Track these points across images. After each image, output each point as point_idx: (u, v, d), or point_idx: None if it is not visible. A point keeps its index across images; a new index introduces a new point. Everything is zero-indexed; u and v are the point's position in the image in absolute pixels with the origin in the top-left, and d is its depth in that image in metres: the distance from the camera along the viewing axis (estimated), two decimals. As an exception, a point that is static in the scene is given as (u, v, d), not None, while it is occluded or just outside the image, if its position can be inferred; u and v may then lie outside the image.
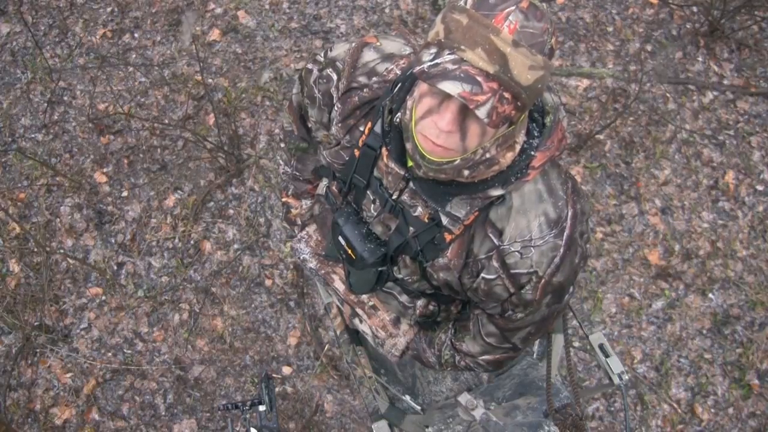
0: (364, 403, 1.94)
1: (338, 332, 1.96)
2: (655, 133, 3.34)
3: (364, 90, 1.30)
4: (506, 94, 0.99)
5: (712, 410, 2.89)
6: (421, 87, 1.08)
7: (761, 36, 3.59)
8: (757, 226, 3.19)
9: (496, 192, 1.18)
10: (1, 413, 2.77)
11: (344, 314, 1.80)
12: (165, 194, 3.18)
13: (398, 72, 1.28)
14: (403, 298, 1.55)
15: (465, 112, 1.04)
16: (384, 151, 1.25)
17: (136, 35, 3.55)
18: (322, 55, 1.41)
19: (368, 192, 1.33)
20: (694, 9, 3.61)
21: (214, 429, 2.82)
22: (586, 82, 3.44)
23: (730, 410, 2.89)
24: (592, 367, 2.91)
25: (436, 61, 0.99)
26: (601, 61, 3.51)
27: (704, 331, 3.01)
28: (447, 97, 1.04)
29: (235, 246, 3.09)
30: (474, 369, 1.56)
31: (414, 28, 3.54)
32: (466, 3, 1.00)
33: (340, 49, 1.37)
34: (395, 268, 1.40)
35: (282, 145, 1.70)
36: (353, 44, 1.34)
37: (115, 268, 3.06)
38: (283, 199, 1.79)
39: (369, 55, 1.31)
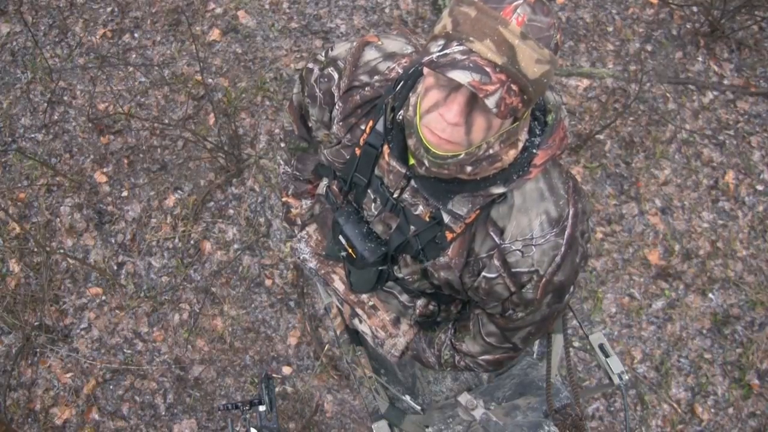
0: (364, 403, 1.94)
1: (338, 332, 1.96)
2: (655, 133, 3.34)
3: (366, 88, 1.30)
4: (514, 86, 0.99)
5: (712, 410, 2.89)
6: (427, 81, 1.08)
7: (761, 36, 3.59)
8: (757, 226, 3.19)
9: (498, 190, 1.18)
10: (1, 413, 2.77)
11: (344, 314, 1.80)
12: (165, 194, 3.18)
13: (400, 70, 1.27)
14: (404, 297, 1.55)
15: (472, 105, 1.04)
16: (385, 149, 1.25)
17: (136, 35, 3.55)
18: (323, 54, 1.41)
19: (369, 191, 1.33)
20: (694, 9, 3.61)
21: (214, 429, 2.82)
22: (586, 82, 3.44)
23: (730, 410, 2.89)
24: (592, 367, 2.91)
25: (444, 51, 0.99)
26: (601, 61, 3.51)
27: (704, 331, 3.01)
28: (454, 89, 1.04)
29: (235, 246, 3.09)
30: (474, 369, 1.56)
31: (414, 28, 3.54)
32: None
33: (341, 48, 1.37)
34: (396, 268, 1.40)
35: (282, 144, 1.70)
36: (354, 43, 1.34)
37: (115, 268, 3.06)
38: (284, 199, 1.79)
39: (370, 54, 1.31)
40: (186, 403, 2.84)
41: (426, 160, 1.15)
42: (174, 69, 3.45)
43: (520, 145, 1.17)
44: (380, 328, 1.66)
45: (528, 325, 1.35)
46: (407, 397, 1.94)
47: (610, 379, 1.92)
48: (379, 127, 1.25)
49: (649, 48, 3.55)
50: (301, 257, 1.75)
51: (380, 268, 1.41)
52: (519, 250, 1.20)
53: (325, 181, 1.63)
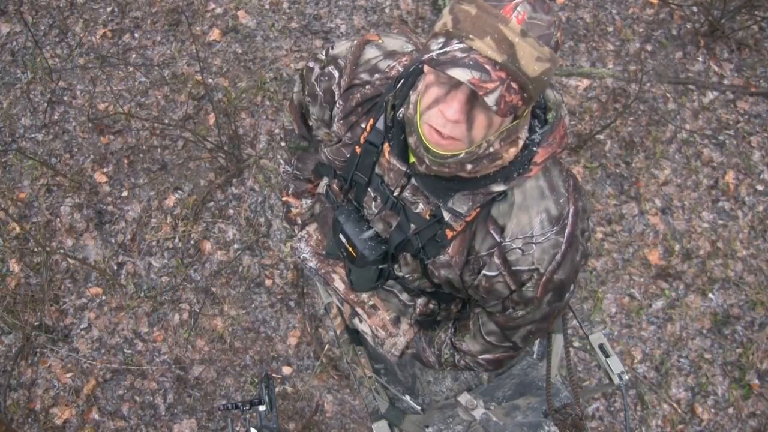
0: (364, 403, 1.94)
1: (338, 332, 1.96)
2: (655, 133, 3.34)
3: (366, 87, 1.30)
4: (514, 84, 0.99)
5: (712, 410, 2.89)
6: (428, 77, 1.08)
7: (761, 36, 3.59)
8: (757, 226, 3.19)
9: (498, 188, 1.18)
10: (1, 413, 2.77)
11: (344, 314, 1.80)
12: (165, 194, 3.18)
13: (400, 69, 1.28)
14: (404, 296, 1.55)
15: (472, 102, 1.04)
16: (386, 147, 1.25)
17: (136, 35, 3.55)
18: (324, 53, 1.41)
19: (369, 189, 1.33)
20: (694, 9, 3.61)
21: (214, 429, 2.81)
22: (586, 82, 3.44)
23: (730, 410, 2.89)
24: (592, 367, 2.91)
25: (445, 49, 0.99)
26: (601, 61, 3.51)
27: (704, 331, 3.01)
28: (454, 86, 1.04)
29: (235, 246, 3.09)
30: (474, 368, 1.56)
31: (414, 28, 3.55)
32: None
33: (341, 47, 1.37)
34: (396, 266, 1.40)
35: (283, 144, 1.70)
36: (355, 42, 1.34)
37: (115, 268, 3.06)
38: (284, 198, 1.79)
39: (371, 53, 1.31)
40: (186, 403, 2.84)
41: (426, 159, 1.15)
42: (174, 69, 3.45)
43: (521, 143, 1.17)
44: (380, 328, 1.66)
45: (528, 323, 1.35)
46: (407, 397, 1.93)
47: (610, 379, 1.92)
48: (380, 125, 1.25)
49: (649, 48, 3.55)
50: (302, 256, 1.75)
51: (380, 266, 1.41)
52: (519, 248, 1.20)
53: (325, 180, 1.63)
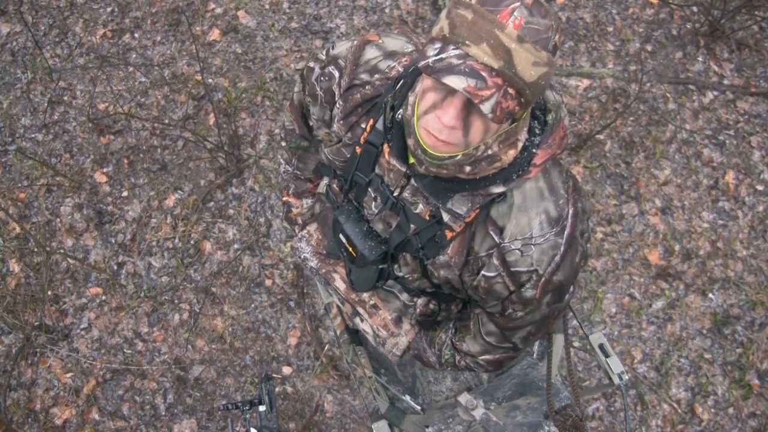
0: (364, 403, 1.94)
1: (338, 332, 1.96)
2: (655, 133, 3.34)
3: (366, 87, 1.30)
4: (510, 90, 0.99)
5: (712, 410, 2.89)
6: (425, 82, 1.08)
7: (761, 36, 3.59)
8: (757, 226, 3.19)
9: (498, 189, 1.18)
10: (1, 413, 2.77)
11: (345, 313, 1.80)
12: (165, 194, 3.18)
13: (400, 69, 1.27)
14: (404, 296, 1.55)
15: (468, 108, 1.04)
16: (386, 147, 1.25)
17: (136, 35, 3.55)
18: (324, 53, 1.41)
19: (369, 189, 1.33)
20: (694, 9, 3.61)
21: (214, 429, 2.81)
22: (586, 82, 3.44)
23: (730, 410, 2.89)
24: (592, 367, 2.91)
25: (440, 55, 0.99)
26: (601, 61, 3.51)
27: (704, 331, 3.01)
28: (451, 92, 1.03)
29: (235, 246, 3.09)
30: (474, 369, 1.56)
31: (414, 28, 3.55)
32: None
33: (342, 47, 1.37)
34: (396, 266, 1.40)
35: (283, 144, 1.70)
36: (355, 42, 1.34)
37: (115, 268, 3.06)
38: (284, 198, 1.79)
39: (371, 53, 1.31)
40: (186, 403, 2.84)
41: (424, 160, 1.15)
42: (174, 69, 3.45)
43: (520, 144, 1.17)
44: (382, 327, 1.66)
45: (528, 324, 1.35)
46: (407, 397, 1.94)
47: (610, 379, 1.92)
48: (380, 125, 1.25)
49: (649, 48, 3.55)
50: (302, 256, 1.75)
51: (380, 266, 1.41)
52: (518, 250, 1.20)
53: (325, 180, 1.63)
